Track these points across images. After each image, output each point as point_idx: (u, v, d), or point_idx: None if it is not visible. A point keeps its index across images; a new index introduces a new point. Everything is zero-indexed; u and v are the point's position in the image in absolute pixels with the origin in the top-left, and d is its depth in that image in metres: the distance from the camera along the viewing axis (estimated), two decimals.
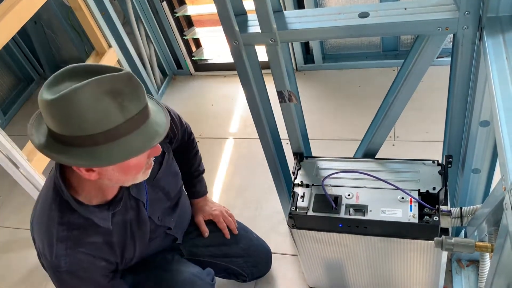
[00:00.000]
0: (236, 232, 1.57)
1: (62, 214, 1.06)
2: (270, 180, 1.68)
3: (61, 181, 1.04)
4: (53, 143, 0.93)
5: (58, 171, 1.05)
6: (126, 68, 2.55)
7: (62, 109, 0.86)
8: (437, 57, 1.16)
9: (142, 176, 1.07)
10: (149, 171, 1.09)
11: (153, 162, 1.09)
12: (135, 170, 1.03)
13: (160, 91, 2.93)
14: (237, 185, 2.24)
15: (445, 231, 1.20)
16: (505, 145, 0.73)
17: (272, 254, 1.76)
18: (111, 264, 1.17)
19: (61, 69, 0.92)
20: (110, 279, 1.19)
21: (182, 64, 3.02)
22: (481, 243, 0.94)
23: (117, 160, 0.92)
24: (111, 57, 2.38)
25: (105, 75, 0.88)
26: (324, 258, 1.50)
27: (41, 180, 1.86)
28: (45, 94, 0.87)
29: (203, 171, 1.59)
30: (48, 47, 3.14)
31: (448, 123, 1.29)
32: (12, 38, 2.18)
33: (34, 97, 3.22)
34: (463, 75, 1.11)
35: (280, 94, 1.29)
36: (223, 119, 2.66)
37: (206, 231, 1.54)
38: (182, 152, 1.49)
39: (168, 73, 3.07)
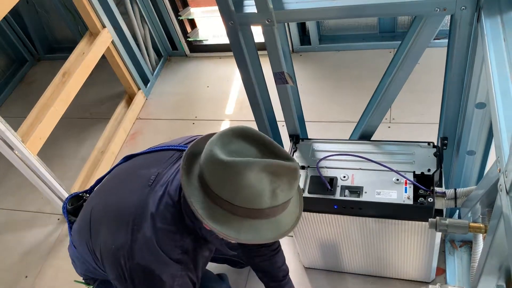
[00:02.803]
0: None
1: (181, 236, 1.06)
2: None
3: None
4: (198, 188, 0.95)
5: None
6: (122, 51, 2.52)
7: (227, 173, 0.89)
8: (434, 39, 1.15)
9: None
10: None
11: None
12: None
13: (155, 72, 2.91)
14: None
15: (439, 212, 1.21)
16: (501, 127, 0.73)
17: None
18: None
19: (238, 127, 0.97)
20: None
21: (177, 45, 2.99)
22: (475, 224, 0.95)
23: (243, 239, 0.94)
24: (105, 38, 2.35)
25: (278, 161, 0.91)
26: (319, 239, 1.52)
27: (36, 162, 1.86)
28: (217, 151, 0.91)
29: (287, 271, 1.50)
30: (41, 27, 3.09)
31: (444, 105, 1.29)
32: (4, 18, 2.14)
33: (27, 78, 3.19)
34: (460, 56, 1.11)
35: (276, 75, 1.28)
36: (219, 101, 2.65)
37: None
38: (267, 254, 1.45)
39: (163, 54, 3.04)
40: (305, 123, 1.59)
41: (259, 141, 0.96)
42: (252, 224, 0.93)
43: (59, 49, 3.21)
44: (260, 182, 0.89)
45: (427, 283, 1.60)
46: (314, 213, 1.38)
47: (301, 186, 1.34)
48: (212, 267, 1.58)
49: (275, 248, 1.43)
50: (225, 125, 2.51)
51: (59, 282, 1.95)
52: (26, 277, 2.01)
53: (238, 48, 1.23)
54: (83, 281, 1.42)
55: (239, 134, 0.96)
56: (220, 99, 2.66)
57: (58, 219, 2.18)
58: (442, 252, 1.65)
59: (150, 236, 1.02)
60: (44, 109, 1.99)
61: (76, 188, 2.17)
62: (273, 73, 1.28)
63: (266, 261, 1.42)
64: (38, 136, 1.91)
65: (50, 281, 1.98)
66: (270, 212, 0.93)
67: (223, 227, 0.93)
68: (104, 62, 2.46)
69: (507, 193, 0.66)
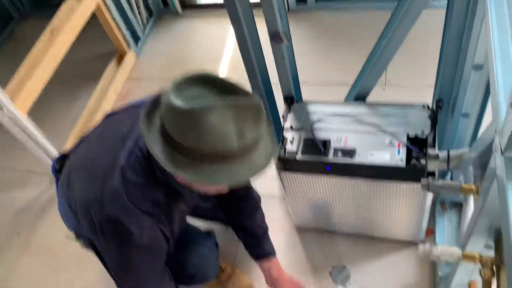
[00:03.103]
0: None
1: (152, 188, 1.05)
2: None
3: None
4: (163, 143, 0.93)
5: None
6: (112, 7, 2.45)
7: (187, 121, 0.87)
8: None
9: (222, 192, 1.12)
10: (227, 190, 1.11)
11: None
12: (217, 191, 1.10)
13: (146, 31, 2.83)
14: None
15: (431, 174, 1.22)
16: (498, 87, 0.72)
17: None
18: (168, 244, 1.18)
19: (192, 73, 0.93)
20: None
21: (169, 3, 2.91)
22: (467, 186, 0.95)
23: (219, 182, 0.93)
24: None
25: (237, 100, 0.88)
26: (311, 200, 1.53)
27: (25, 121, 1.83)
28: (174, 99, 0.88)
29: (267, 228, 1.47)
30: None
31: (440, 67, 1.27)
32: None
33: (15, 34, 3.10)
34: (460, 15, 1.08)
35: (271, 34, 1.25)
36: (212, 62, 2.60)
37: None
38: (247, 210, 1.45)
39: (154, 12, 2.95)
40: (300, 84, 1.57)
41: (216, 83, 0.92)
42: (224, 167, 0.91)
43: (47, 5, 3.10)
44: (224, 125, 0.87)
45: (417, 243, 1.64)
46: (307, 175, 1.38)
47: (295, 148, 1.34)
48: (200, 224, 1.59)
49: (255, 204, 1.45)
50: None
51: (52, 240, 1.97)
52: (19, 234, 2.02)
53: (232, 5, 1.19)
54: (75, 237, 1.44)
55: (195, 79, 0.92)
56: (213, 59, 2.62)
57: (50, 179, 2.18)
58: (432, 213, 1.67)
59: (119, 188, 1.01)
60: (33, 67, 1.94)
61: (68, 148, 2.16)
62: (268, 32, 1.25)
63: (246, 218, 1.43)
64: (28, 95, 1.87)
65: (42, 239, 1.99)
66: (240, 153, 0.91)
67: (194, 175, 0.91)
68: (95, 20, 2.39)
69: (502, 153, 0.66)
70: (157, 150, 0.93)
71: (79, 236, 1.40)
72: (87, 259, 1.85)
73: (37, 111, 2.01)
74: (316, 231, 1.76)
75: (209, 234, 1.50)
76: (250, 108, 0.89)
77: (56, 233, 1.98)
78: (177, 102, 0.87)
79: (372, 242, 1.68)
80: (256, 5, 1.17)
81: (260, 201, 1.50)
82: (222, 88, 0.91)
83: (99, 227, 1.03)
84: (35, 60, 1.97)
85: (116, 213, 1.01)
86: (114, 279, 1.18)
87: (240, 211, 1.43)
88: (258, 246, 1.44)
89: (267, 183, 1.94)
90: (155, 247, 1.09)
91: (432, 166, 1.21)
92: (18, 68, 1.92)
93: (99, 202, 1.02)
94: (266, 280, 1.46)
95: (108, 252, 1.10)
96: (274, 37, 1.25)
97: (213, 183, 0.94)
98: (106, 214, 1.01)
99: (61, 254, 1.92)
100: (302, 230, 1.78)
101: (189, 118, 0.87)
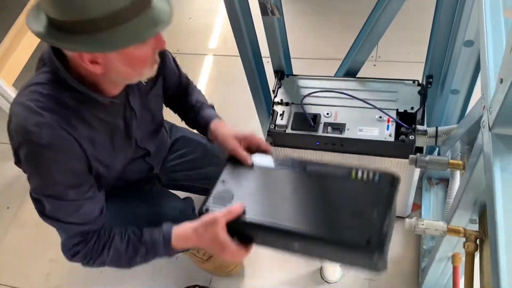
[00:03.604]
0: (272, 151, 1.24)
1: (53, 89, 0.96)
2: (250, 99, 1.66)
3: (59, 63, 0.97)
4: (54, 32, 0.87)
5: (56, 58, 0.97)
6: None
7: None
8: None
9: (149, 71, 1.01)
10: (156, 66, 1.02)
11: (158, 59, 1.02)
12: (141, 63, 0.97)
13: None
14: (216, 104, 2.21)
15: (419, 150, 1.23)
16: (489, 62, 0.72)
17: None
18: (87, 164, 1.08)
19: None
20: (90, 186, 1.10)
21: None
22: (454, 161, 0.97)
23: (121, 45, 0.87)
24: None
25: None
26: None
27: (11, 92, 1.80)
28: None
29: (209, 104, 1.39)
30: None
31: (431, 43, 1.27)
32: None
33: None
34: None
35: (262, 6, 1.23)
36: (202, 34, 2.57)
37: (247, 157, 1.13)
38: (181, 97, 1.38)
39: None
40: (291, 59, 1.56)
41: None
42: (123, 29, 0.85)
43: None
44: None
45: (403, 217, 1.67)
46: (297, 149, 1.38)
47: (285, 122, 1.34)
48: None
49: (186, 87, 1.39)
50: (208, 60, 2.45)
51: None
52: (8, 208, 2.02)
53: None
54: None
55: None
56: (203, 32, 2.58)
57: None
58: (419, 188, 1.70)
59: (22, 99, 0.97)
60: (18, 37, 1.90)
61: None
62: (259, 2, 1.23)
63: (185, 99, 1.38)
64: (13, 66, 1.84)
65: (32, 212, 1.97)
66: (135, 9, 0.86)
67: (91, 46, 0.85)
68: None
69: (490, 129, 0.67)
70: (41, 32, 0.86)
71: None
72: None
73: (23, 82, 1.97)
74: None
75: (186, 199, 1.50)
76: None
77: None
78: None
79: None
80: None
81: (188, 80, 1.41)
82: None
83: (13, 148, 1.00)
84: (20, 30, 1.92)
85: (16, 118, 0.96)
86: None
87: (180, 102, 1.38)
88: (200, 116, 1.34)
89: None
90: (58, 147, 0.98)
91: (420, 142, 1.22)
92: (3, 39, 1.88)
93: (8, 123, 0.99)
94: (231, 141, 1.19)
95: (18, 157, 1.02)
96: (265, 9, 1.23)
97: (113, 48, 0.87)
98: (11, 128, 0.98)
99: (49, 227, 1.92)
100: None
101: None
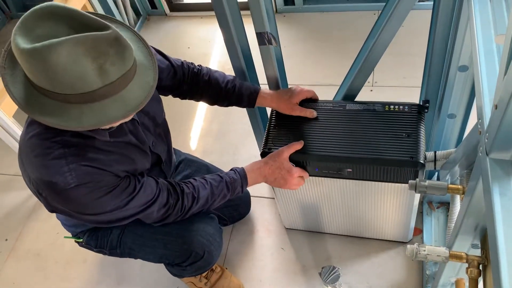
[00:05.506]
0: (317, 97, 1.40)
1: (54, 135, 0.97)
2: (248, 125, 1.67)
3: None
4: (28, 86, 0.87)
5: None
6: (98, 9, 2.43)
7: (36, 62, 0.80)
8: (419, 1, 1.13)
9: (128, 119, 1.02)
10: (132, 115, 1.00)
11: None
12: (113, 124, 1.00)
13: None
14: (215, 130, 2.23)
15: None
16: (483, 89, 0.73)
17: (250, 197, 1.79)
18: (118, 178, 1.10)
19: (41, 6, 0.83)
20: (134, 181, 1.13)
21: (157, 4, 2.90)
22: (453, 186, 0.96)
23: (87, 125, 0.87)
24: None
25: (87, 34, 0.80)
26: (300, 201, 1.53)
27: (11, 124, 1.81)
28: (19, 40, 0.80)
29: (235, 78, 1.39)
30: None
31: (426, 68, 1.28)
32: None
33: (0, 36, 3.06)
34: (445, 17, 1.09)
35: (259, 36, 1.25)
36: (200, 63, 2.56)
37: (312, 113, 1.31)
38: (197, 83, 1.40)
39: (142, 13, 2.94)
40: (288, 85, 1.57)
41: (67, 17, 0.83)
42: (93, 107, 0.86)
43: (33, 6, 3.07)
44: (75, 63, 0.80)
45: (405, 243, 1.65)
46: None
47: None
48: None
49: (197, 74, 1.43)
50: None
51: (40, 244, 1.95)
52: (6, 240, 1.99)
53: (220, 6, 1.19)
54: (72, 236, 1.44)
55: (42, 14, 0.83)
56: (201, 61, 2.60)
57: None
58: (420, 213, 1.69)
59: (26, 147, 0.99)
60: None
61: None
62: (256, 33, 1.25)
63: (209, 88, 1.40)
64: None
65: (30, 243, 1.97)
66: (107, 90, 0.85)
67: (59, 118, 0.86)
68: None
69: (487, 154, 0.67)
70: (18, 94, 0.86)
71: (78, 235, 1.41)
72: (74, 263, 1.84)
73: (23, 114, 1.98)
74: (306, 232, 1.76)
75: (211, 218, 1.49)
76: (105, 41, 0.81)
77: (44, 238, 1.96)
78: (23, 44, 0.79)
79: (361, 242, 1.69)
80: (244, 7, 1.17)
81: (192, 65, 1.43)
82: (75, 22, 0.83)
83: (36, 191, 1.04)
84: None
85: (37, 174, 0.99)
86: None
87: (198, 92, 1.41)
88: (240, 94, 1.36)
89: (257, 185, 1.95)
90: (89, 182, 1.00)
91: None
92: None
93: (23, 171, 1.03)
94: (288, 101, 1.34)
95: (56, 203, 1.05)
96: (262, 38, 1.25)
97: (78, 127, 0.87)
98: (33, 178, 1.01)
99: (48, 259, 1.90)
100: (291, 231, 1.78)
101: (35, 58, 0.79)
